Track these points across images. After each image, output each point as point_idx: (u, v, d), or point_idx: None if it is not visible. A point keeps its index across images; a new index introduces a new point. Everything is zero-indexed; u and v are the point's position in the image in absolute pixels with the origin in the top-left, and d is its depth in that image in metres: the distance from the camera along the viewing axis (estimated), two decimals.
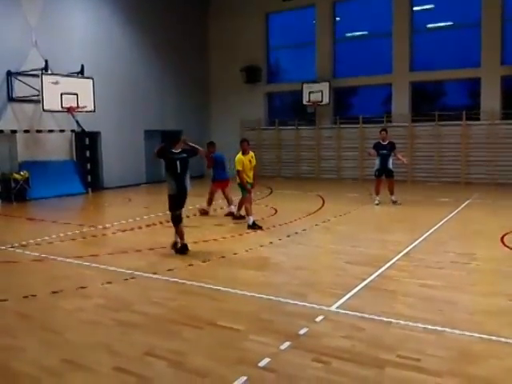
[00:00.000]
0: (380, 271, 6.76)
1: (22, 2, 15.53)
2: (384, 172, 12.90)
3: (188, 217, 10.35)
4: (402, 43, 19.29)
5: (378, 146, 13.06)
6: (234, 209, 11.53)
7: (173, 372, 4.05)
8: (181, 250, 8.04)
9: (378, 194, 12.95)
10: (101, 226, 10.78)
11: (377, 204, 12.78)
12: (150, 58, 20.36)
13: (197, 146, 8.82)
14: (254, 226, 9.92)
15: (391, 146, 12.98)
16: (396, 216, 11.51)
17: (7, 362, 4.27)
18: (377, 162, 12.98)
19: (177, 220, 8.14)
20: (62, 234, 9.84)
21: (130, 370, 4.07)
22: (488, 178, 17.53)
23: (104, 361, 4.25)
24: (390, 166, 12.85)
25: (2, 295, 6.04)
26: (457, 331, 4.69)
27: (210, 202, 12.10)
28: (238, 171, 10.44)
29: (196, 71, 22.83)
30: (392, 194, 12.87)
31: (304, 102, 20.74)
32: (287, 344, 4.45)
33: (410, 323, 4.89)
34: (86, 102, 15.37)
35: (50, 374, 4.05)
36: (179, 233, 8.12)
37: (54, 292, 6.14)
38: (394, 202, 12.72)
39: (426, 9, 19.29)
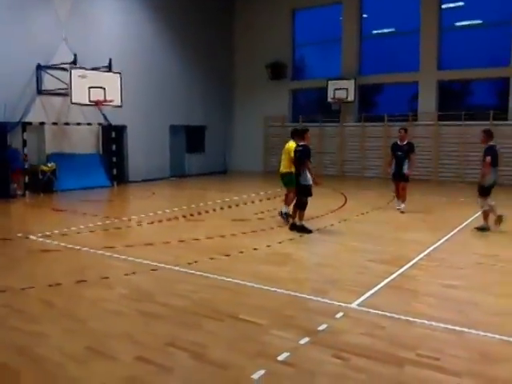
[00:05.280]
0: (402, 270, 6.73)
1: None
2: (398, 176, 11.56)
3: (207, 212, 10.48)
4: (429, 41, 19.04)
5: (394, 148, 11.76)
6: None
7: (193, 363, 4.11)
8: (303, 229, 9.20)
9: (398, 198, 11.82)
10: (125, 219, 10.94)
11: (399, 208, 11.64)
12: (176, 53, 20.51)
13: None
14: (286, 217, 10.06)
15: (408, 148, 11.55)
16: (419, 216, 11.38)
17: (32, 348, 4.39)
18: (392, 164, 11.71)
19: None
20: (87, 225, 10.03)
21: (152, 359, 4.14)
22: None
23: (126, 350, 4.33)
24: (405, 170, 11.41)
25: (29, 283, 6.20)
26: (478, 332, 4.66)
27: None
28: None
29: (221, 67, 22.92)
30: (402, 200, 11.51)
31: (329, 99, 20.65)
32: (307, 339, 4.47)
33: (431, 323, 4.87)
34: (114, 96, 15.55)
35: (73, 360, 4.16)
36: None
37: (78, 281, 6.28)
38: (402, 212, 11.36)
39: (455, 6, 18.99)
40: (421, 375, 3.89)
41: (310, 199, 9.37)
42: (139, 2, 18.91)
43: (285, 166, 10.20)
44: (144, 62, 18.96)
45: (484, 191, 9.34)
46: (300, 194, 9.36)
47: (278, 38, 22.31)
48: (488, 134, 9.53)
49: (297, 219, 9.44)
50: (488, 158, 9.16)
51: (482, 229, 9.35)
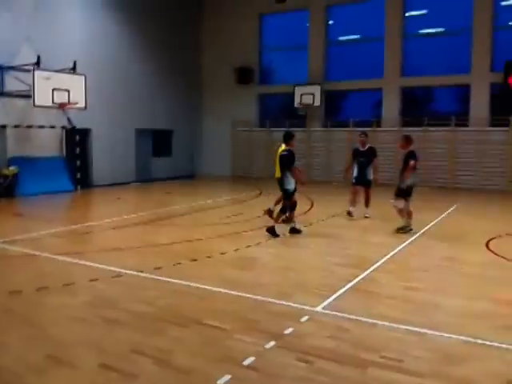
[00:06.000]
0: (366, 273, 6.82)
1: None
2: (361, 181, 11.41)
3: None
4: (393, 48, 19.45)
5: (355, 153, 11.55)
6: None
7: (157, 369, 4.06)
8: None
9: (353, 204, 11.38)
10: (89, 224, 10.74)
11: (349, 213, 11.25)
12: (142, 56, 20.33)
13: None
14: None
15: (370, 153, 11.37)
16: (383, 219, 11.56)
17: None
18: (355, 169, 11.49)
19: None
20: (49, 231, 9.80)
21: (115, 366, 4.07)
22: (475, 184, 17.73)
23: (89, 357, 4.25)
24: (369, 176, 11.35)
25: None
26: (439, 333, 4.75)
27: None
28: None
29: (188, 71, 22.82)
30: (367, 206, 11.43)
31: (295, 105, 20.82)
32: (272, 343, 4.48)
33: (394, 325, 4.95)
34: (78, 98, 15.31)
35: (34, 370, 4.05)
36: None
37: (39, 288, 6.12)
38: (366, 217, 11.32)
39: (418, 14, 19.47)
40: (385, 377, 3.94)
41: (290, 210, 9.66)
42: (104, 4, 18.64)
43: (278, 171, 9.96)
44: (109, 64, 18.71)
45: (403, 193, 9.65)
46: (283, 198, 9.64)
47: (245, 42, 22.38)
48: (408, 140, 9.93)
49: (292, 222, 9.71)
50: (412, 162, 9.51)
51: (403, 228, 9.68)
